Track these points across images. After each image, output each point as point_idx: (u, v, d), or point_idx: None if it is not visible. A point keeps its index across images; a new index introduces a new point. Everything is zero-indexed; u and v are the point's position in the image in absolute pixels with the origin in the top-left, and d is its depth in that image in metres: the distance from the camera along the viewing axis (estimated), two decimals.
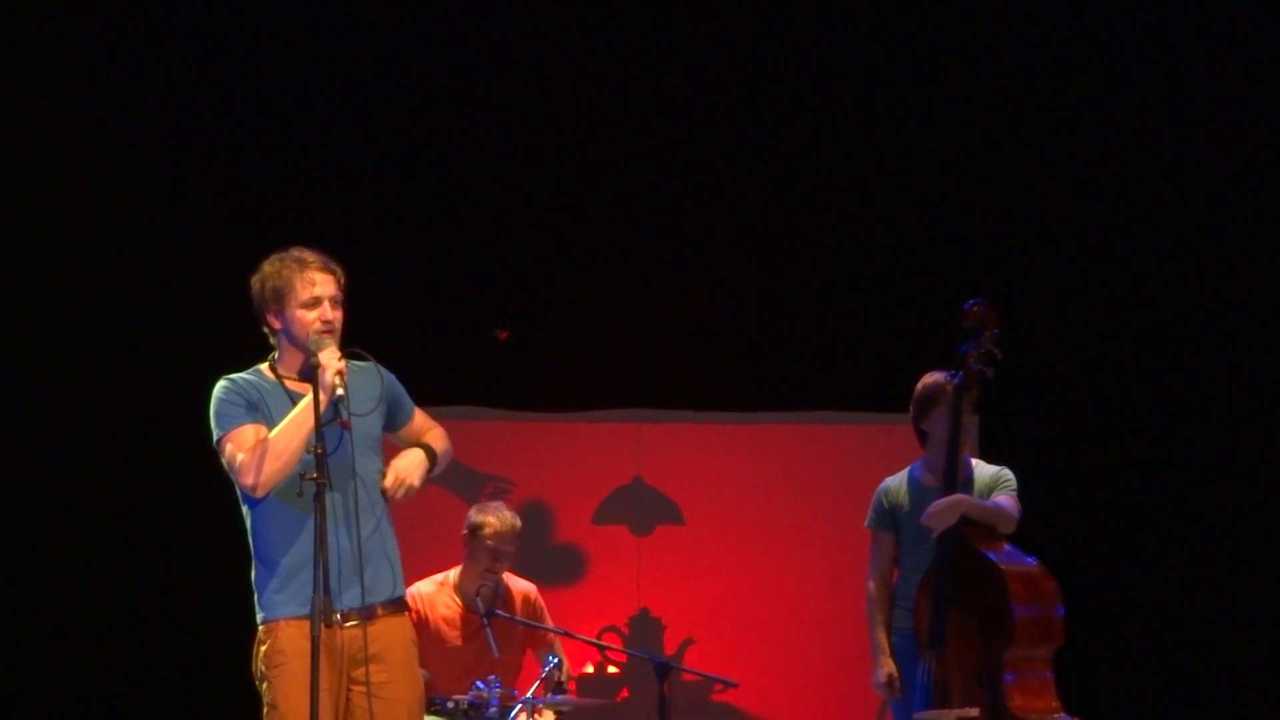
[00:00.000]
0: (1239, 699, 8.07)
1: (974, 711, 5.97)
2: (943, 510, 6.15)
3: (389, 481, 4.88)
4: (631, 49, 8.26)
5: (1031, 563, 6.11)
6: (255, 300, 4.92)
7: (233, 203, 7.87)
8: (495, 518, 6.73)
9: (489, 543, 6.70)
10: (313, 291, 4.84)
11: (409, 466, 4.93)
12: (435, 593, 6.81)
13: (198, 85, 7.95)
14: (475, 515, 6.79)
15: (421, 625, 6.64)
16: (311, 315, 4.83)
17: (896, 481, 6.48)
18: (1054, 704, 6.04)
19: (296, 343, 4.87)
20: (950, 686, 6.07)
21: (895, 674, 6.31)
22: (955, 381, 6.24)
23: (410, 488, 4.89)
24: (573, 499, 8.53)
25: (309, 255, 4.89)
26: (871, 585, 6.43)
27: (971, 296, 7.73)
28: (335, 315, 4.87)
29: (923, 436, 6.44)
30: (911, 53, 8.32)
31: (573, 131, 8.31)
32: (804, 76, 8.36)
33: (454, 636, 6.76)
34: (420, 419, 5.12)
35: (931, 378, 6.39)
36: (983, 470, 6.43)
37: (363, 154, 8.13)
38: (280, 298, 4.86)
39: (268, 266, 4.91)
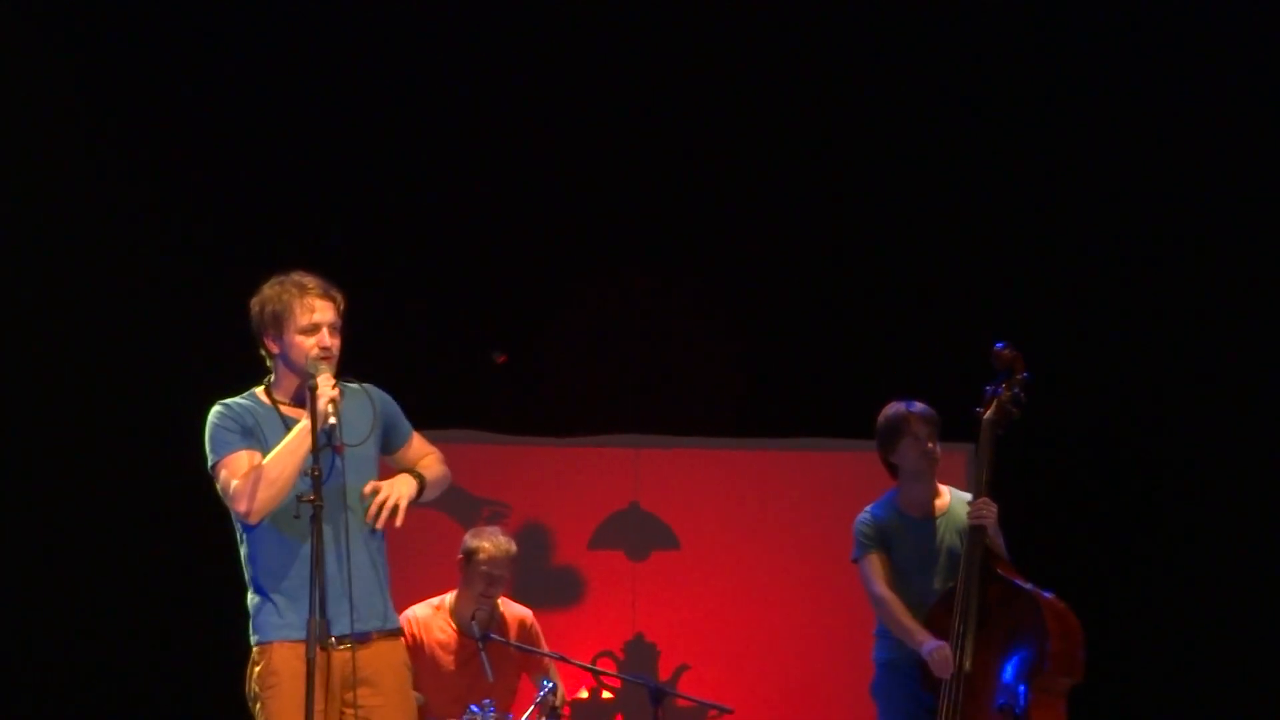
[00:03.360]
0: None
1: None
2: (992, 510, 6.18)
3: (369, 489, 4.85)
4: (638, 75, 8.29)
5: (1052, 597, 6.14)
6: (253, 323, 4.93)
7: (231, 224, 7.88)
8: (490, 543, 6.74)
9: (483, 568, 6.71)
10: (312, 318, 4.84)
11: (395, 485, 4.90)
12: (430, 617, 6.82)
13: (198, 104, 7.95)
14: (470, 540, 6.80)
15: (416, 649, 6.65)
16: (310, 341, 4.83)
17: (878, 513, 6.46)
18: None
19: (293, 368, 4.88)
20: (967, 710, 6.08)
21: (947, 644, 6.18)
22: (986, 416, 6.29)
23: (395, 506, 4.85)
24: (569, 523, 8.52)
25: (309, 281, 4.89)
26: (882, 592, 6.35)
27: (966, 324, 7.79)
28: (333, 342, 4.87)
29: (892, 469, 6.47)
30: (906, 82, 8.35)
31: (571, 155, 8.32)
32: (799, 104, 8.38)
33: (449, 661, 6.77)
34: (418, 444, 5.11)
35: (892, 409, 6.41)
36: (959, 496, 6.46)
37: (361, 176, 8.13)
38: (279, 322, 4.86)
39: (268, 290, 4.91)
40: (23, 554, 7.73)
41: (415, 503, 4.95)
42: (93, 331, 7.80)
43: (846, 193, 8.45)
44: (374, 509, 4.84)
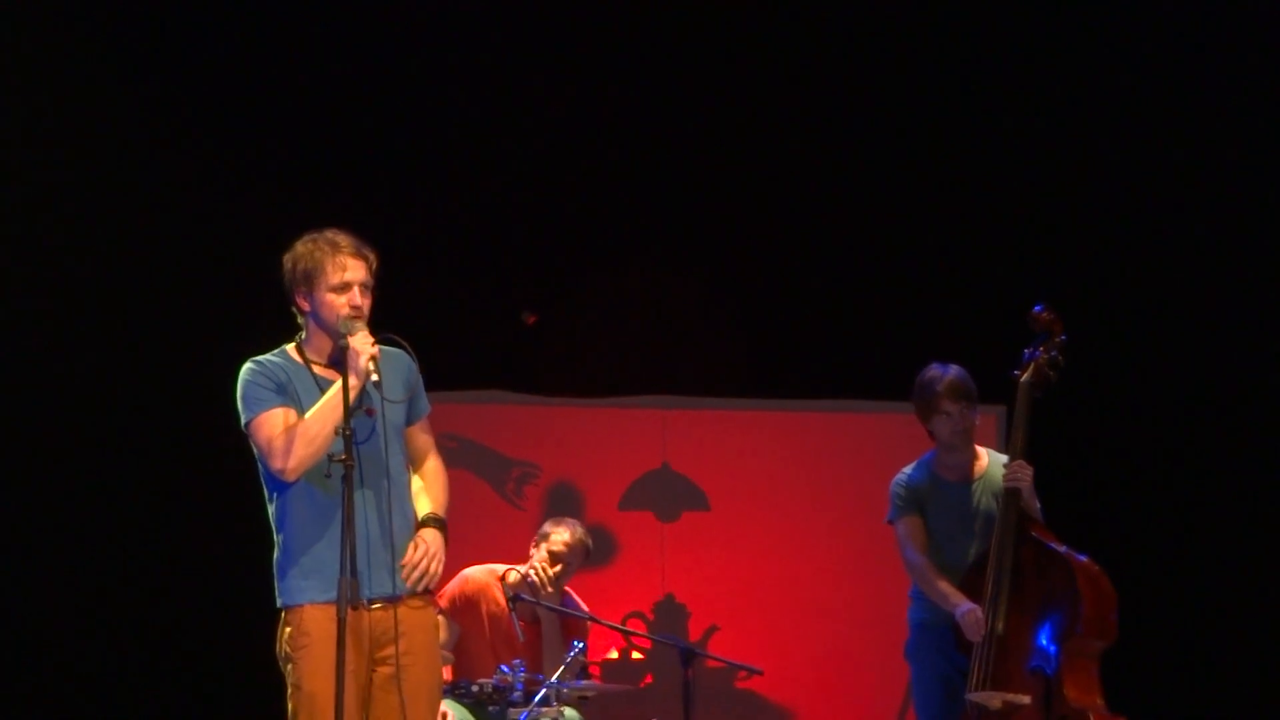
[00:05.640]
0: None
1: (1026, 699, 6.00)
2: (1027, 472, 6.17)
3: (410, 573, 4.81)
4: (662, 44, 8.26)
5: (1087, 560, 6.13)
6: (285, 279, 4.90)
7: (259, 184, 7.85)
8: (566, 535, 6.72)
9: (554, 548, 6.73)
10: (343, 276, 4.82)
11: (433, 545, 4.85)
12: (487, 582, 6.79)
13: (223, 64, 7.93)
14: (548, 526, 6.78)
15: (464, 608, 6.71)
16: (341, 300, 4.81)
17: (915, 476, 6.45)
18: (1101, 701, 6.06)
19: (324, 326, 4.86)
20: (999, 672, 6.08)
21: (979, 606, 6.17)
22: (1023, 379, 6.27)
23: (433, 577, 4.85)
24: (599, 484, 8.52)
25: (342, 239, 4.87)
26: (916, 555, 6.34)
27: (1004, 286, 7.74)
28: (364, 302, 4.85)
29: (930, 432, 6.45)
30: (918, 41, 8.29)
31: (599, 115, 8.29)
32: (836, 62, 8.34)
33: (492, 627, 6.73)
34: (427, 434, 5.08)
35: (926, 378, 6.38)
36: (995, 458, 6.44)
37: (391, 136, 8.11)
38: (310, 280, 4.84)
39: (300, 246, 4.89)
40: (44, 520, 7.75)
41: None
42: (117, 293, 7.79)
43: (883, 151, 8.42)
44: (416, 574, 4.81)
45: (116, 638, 7.76)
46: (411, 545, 4.85)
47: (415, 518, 4.93)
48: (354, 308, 4.81)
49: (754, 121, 8.37)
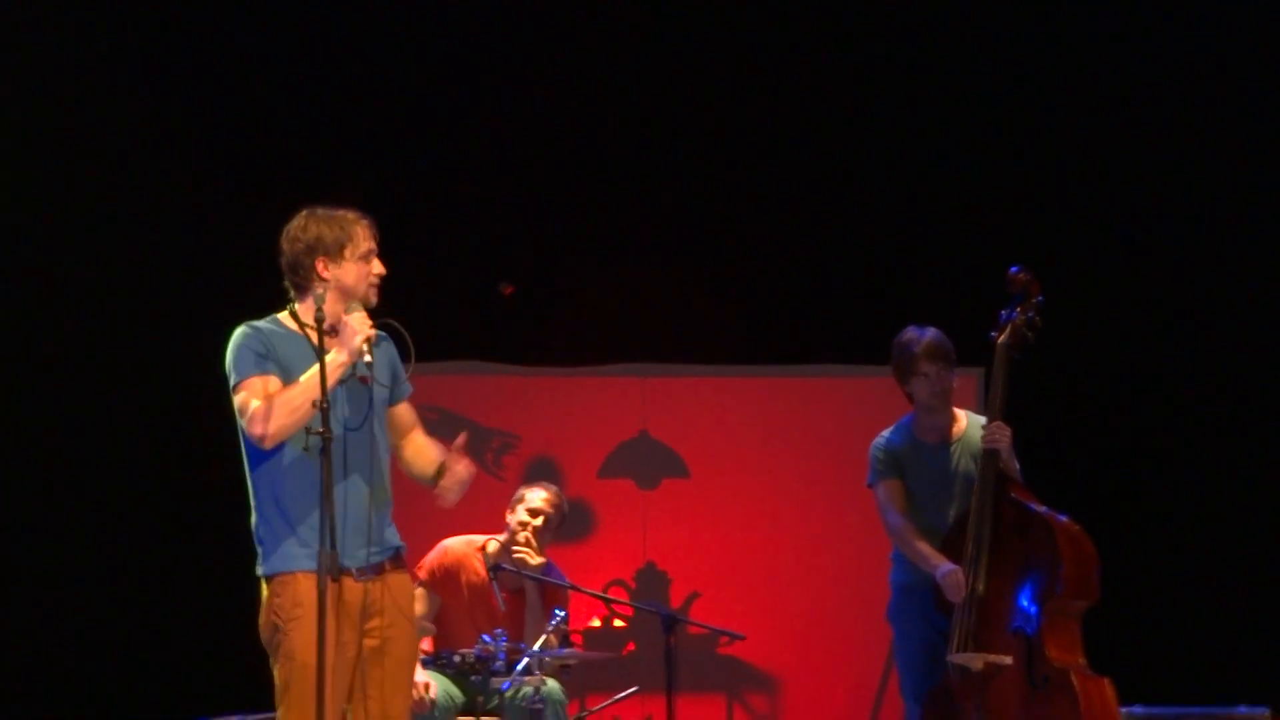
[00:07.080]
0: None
1: (1007, 659, 6.01)
2: (1006, 434, 6.17)
3: (454, 470, 4.96)
4: (630, 22, 8.26)
5: (1067, 520, 6.14)
6: (304, 247, 4.88)
7: (239, 156, 7.85)
8: (544, 495, 6.76)
9: (532, 504, 6.75)
10: (371, 245, 4.92)
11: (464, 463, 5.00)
12: (466, 554, 6.79)
13: (201, 44, 7.92)
14: (524, 489, 6.82)
15: (444, 580, 6.72)
16: (369, 267, 4.89)
17: (894, 439, 6.45)
18: (1083, 660, 6.08)
19: (345, 293, 4.87)
20: (980, 633, 6.09)
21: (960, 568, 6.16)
22: (1000, 340, 6.26)
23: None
24: (578, 453, 8.52)
25: (351, 212, 4.95)
26: (896, 518, 6.34)
27: (981, 247, 7.74)
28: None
29: (908, 395, 6.45)
30: (892, 11, 8.29)
31: (580, 87, 8.27)
32: (792, 33, 8.33)
33: (471, 597, 6.73)
34: (412, 412, 5.12)
35: (904, 340, 6.38)
36: (974, 420, 6.45)
37: (370, 108, 8.10)
38: (340, 247, 4.87)
39: (319, 220, 4.89)
40: (23, 498, 7.74)
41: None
42: (86, 276, 7.79)
43: (857, 115, 8.41)
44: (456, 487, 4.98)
45: (88, 611, 7.76)
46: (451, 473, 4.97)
47: (389, 484, 4.96)
48: (379, 275, 4.91)
49: (730, 91, 8.36)
